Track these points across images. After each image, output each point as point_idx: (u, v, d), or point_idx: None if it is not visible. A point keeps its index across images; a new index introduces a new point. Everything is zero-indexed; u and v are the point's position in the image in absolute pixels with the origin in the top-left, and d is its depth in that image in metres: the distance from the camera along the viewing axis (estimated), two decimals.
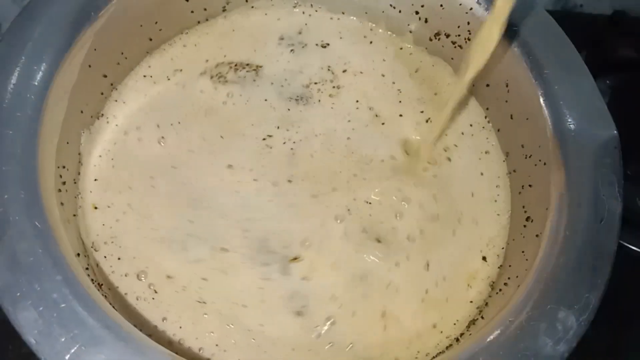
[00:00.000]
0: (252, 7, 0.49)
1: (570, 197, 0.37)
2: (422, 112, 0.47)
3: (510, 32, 0.43)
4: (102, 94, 0.44)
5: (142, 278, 0.39)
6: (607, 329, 0.49)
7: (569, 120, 0.40)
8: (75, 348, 0.29)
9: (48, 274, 0.31)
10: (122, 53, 0.44)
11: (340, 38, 0.49)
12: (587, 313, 0.34)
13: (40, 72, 0.36)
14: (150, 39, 0.46)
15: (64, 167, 0.39)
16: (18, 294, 0.30)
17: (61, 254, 0.32)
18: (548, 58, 0.42)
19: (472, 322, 0.39)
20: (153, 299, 0.38)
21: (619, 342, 0.52)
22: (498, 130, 0.46)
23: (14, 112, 0.35)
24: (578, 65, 0.42)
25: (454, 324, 0.39)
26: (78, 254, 0.36)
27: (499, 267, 0.42)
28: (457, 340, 0.38)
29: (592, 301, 0.34)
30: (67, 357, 0.29)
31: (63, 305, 0.30)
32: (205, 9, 0.48)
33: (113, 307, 0.33)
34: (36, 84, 0.36)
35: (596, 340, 0.49)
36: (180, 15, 0.47)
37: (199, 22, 0.48)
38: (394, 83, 0.48)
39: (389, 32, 0.50)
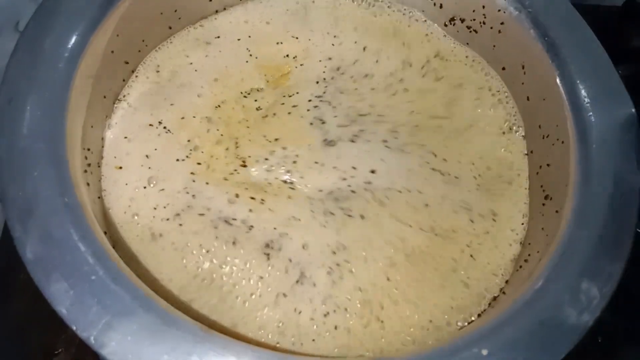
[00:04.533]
0: None
1: (589, 173, 0.38)
2: None
3: (526, 14, 0.44)
4: (123, 80, 0.45)
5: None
6: (625, 315, 0.50)
7: (586, 98, 0.40)
8: (108, 318, 0.30)
9: (78, 247, 0.32)
10: (143, 40, 0.45)
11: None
12: (610, 284, 0.34)
13: (66, 55, 0.37)
14: (170, 27, 0.47)
15: (89, 149, 0.40)
16: (49, 266, 0.31)
17: (90, 229, 0.33)
18: (563, 38, 0.42)
19: (494, 298, 0.40)
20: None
21: (638, 328, 0.51)
22: None
23: (43, 94, 0.36)
24: (593, 43, 0.42)
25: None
26: (105, 232, 0.37)
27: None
28: (479, 315, 0.39)
29: (614, 272, 0.34)
30: (99, 327, 0.30)
31: (93, 277, 0.31)
32: None
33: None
34: (62, 66, 0.37)
35: (615, 326, 0.49)
36: (199, 4, 0.48)
37: (217, 12, 0.49)
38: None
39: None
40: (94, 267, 0.31)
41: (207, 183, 0.41)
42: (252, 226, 0.40)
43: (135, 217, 0.40)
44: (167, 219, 0.40)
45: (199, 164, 0.42)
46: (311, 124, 0.44)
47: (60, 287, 0.30)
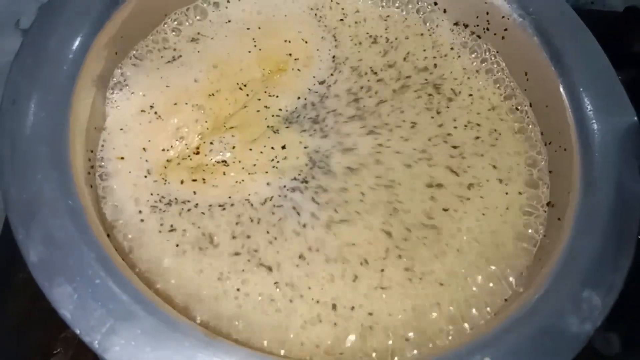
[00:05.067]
0: None
1: (592, 181, 0.38)
2: None
3: (530, 21, 0.44)
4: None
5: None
6: (623, 322, 0.50)
7: (589, 106, 0.40)
8: (111, 322, 0.30)
9: (81, 250, 0.32)
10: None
11: None
12: (612, 293, 0.34)
13: (71, 56, 0.37)
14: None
15: (91, 151, 0.39)
16: (53, 269, 0.31)
17: (93, 231, 0.33)
18: (567, 46, 0.43)
19: (497, 306, 0.40)
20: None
21: (635, 335, 0.52)
22: None
23: (47, 95, 0.36)
24: (597, 51, 0.42)
25: None
26: (108, 235, 0.37)
27: None
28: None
29: (616, 281, 0.34)
30: (103, 331, 0.30)
31: (97, 281, 0.31)
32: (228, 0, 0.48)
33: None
34: (66, 68, 0.37)
35: (612, 332, 0.49)
36: None
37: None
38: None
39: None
40: (98, 270, 0.31)
41: (165, 167, 0.41)
42: (211, 205, 0.40)
43: (131, 216, 0.39)
44: (148, 214, 0.40)
45: (177, 156, 0.42)
46: (268, 126, 0.44)
47: (64, 290, 0.30)
